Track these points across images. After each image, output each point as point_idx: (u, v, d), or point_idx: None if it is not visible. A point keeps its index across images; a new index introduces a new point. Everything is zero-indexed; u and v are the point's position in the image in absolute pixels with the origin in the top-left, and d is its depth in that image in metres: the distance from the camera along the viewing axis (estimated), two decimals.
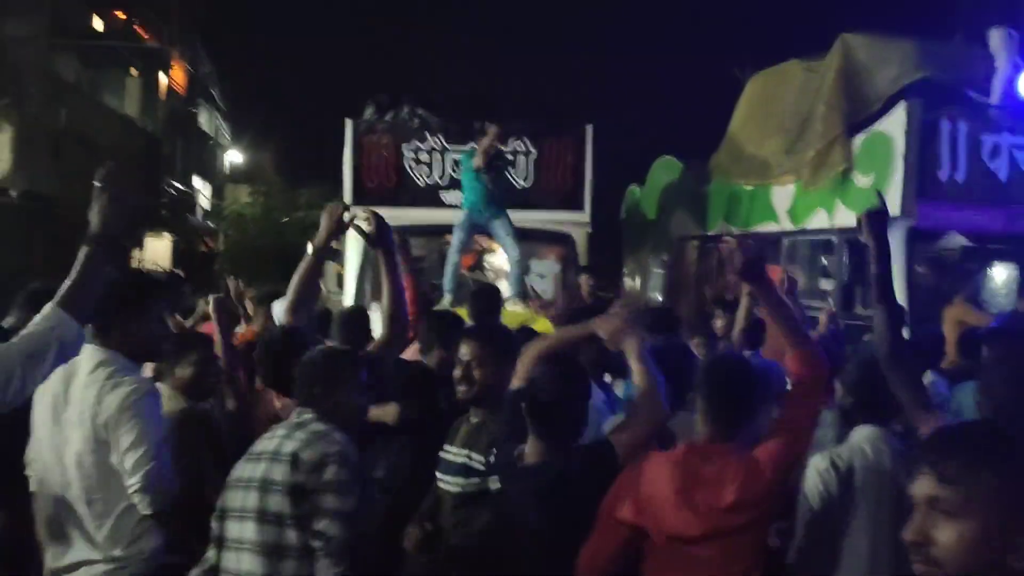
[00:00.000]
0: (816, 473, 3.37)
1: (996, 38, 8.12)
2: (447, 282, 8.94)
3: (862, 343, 6.93)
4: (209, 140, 43.48)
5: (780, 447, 3.11)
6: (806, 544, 3.36)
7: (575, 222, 10.48)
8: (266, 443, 3.22)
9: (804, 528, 3.37)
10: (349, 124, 10.44)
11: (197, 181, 39.81)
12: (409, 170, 10.38)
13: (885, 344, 3.10)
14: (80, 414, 3.25)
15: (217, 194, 42.15)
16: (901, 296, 7.72)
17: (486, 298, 6.53)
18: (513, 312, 8.62)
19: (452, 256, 8.99)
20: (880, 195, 3.74)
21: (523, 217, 9.40)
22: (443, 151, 10.34)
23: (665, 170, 13.07)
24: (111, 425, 3.22)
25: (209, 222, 40.37)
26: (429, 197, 10.37)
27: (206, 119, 42.62)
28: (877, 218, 3.43)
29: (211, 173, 42.40)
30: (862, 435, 3.47)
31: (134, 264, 28.45)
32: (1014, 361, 3.25)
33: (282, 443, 3.14)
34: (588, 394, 3.38)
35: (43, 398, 3.30)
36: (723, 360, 3.57)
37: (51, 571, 3.31)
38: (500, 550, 3.31)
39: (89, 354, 3.28)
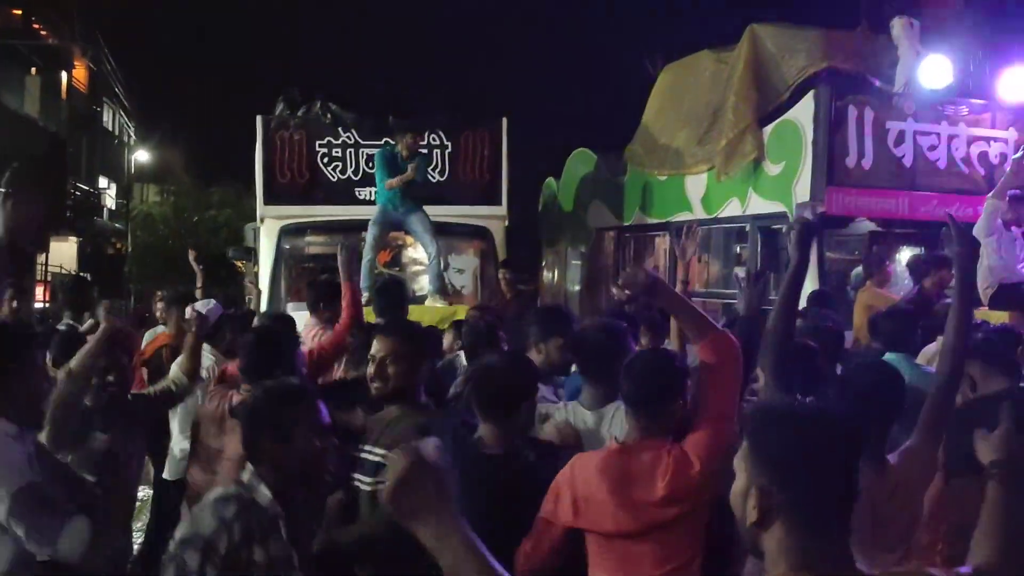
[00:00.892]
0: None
1: (898, 27, 8.29)
2: (363, 279, 8.80)
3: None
4: (114, 139, 42.39)
5: (706, 436, 3.10)
6: None
7: (492, 216, 10.45)
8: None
9: None
10: (260, 121, 10.25)
11: (103, 181, 38.79)
12: (322, 166, 10.23)
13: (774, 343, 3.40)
14: None
15: (124, 194, 41.14)
16: (813, 281, 7.92)
17: (390, 292, 6.44)
18: (434, 308, 8.56)
19: (367, 253, 8.87)
20: (813, 208, 3.94)
21: (439, 212, 9.34)
22: (356, 147, 10.22)
23: (581, 162, 13.11)
24: None
25: (116, 223, 39.40)
26: (343, 193, 10.24)
27: (111, 118, 41.52)
28: (807, 230, 3.57)
29: (117, 173, 41.35)
30: None
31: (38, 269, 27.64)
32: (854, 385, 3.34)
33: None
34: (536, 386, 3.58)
35: None
36: (643, 355, 3.53)
37: None
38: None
39: None
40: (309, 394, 3.02)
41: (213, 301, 7.19)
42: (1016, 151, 8.26)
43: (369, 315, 6.20)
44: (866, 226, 8.82)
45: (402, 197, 8.83)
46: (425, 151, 9.70)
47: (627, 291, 3.09)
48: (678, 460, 3.07)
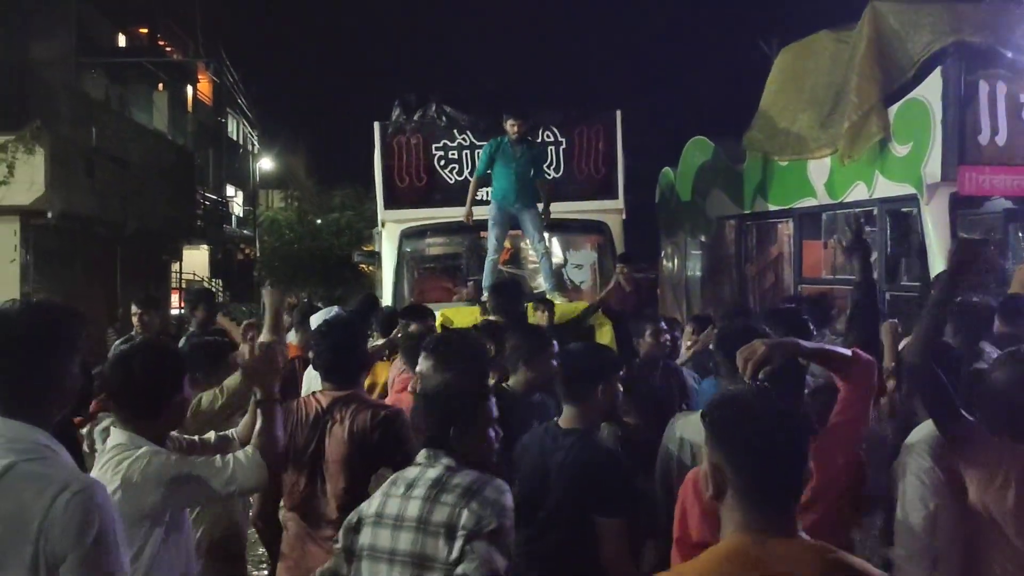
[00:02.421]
0: (920, 471, 3.27)
1: None
2: (485, 279, 8.87)
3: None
4: (239, 149, 43.81)
5: (846, 431, 3.08)
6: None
7: (609, 210, 10.38)
8: (397, 505, 2.96)
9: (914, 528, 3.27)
10: (377, 127, 10.41)
11: (230, 190, 40.14)
12: (439, 169, 10.34)
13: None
14: None
15: (250, 201, 42.47)
16: (946, 264, 7.61)
17: (507, 291, 6.46)
18: (562, 305, 8.52)
19: (491, 254, 8.94)
20: (859, 222, 3.89)
21: (556, 208, 9.31)
22: (472, 148, 10.29)
23: (698, 151, 12.93)
24: None
25: (244, 230, 40.70)
26: (460, 194, 10.30)
27: (235, 128, 42.93)
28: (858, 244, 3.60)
29: (243, 181, 42.73)
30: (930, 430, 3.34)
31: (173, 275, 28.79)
32: None
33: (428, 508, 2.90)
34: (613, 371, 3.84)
35: None
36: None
37: None
38: None
39: None
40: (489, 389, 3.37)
41: (336, 308, 7.38)
42: None
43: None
44: (1001, 204, 8.44)
45: (517, 193, 8.81)
46: (534, 140, 9.65)
47: (749, 369, 2.92)
48: (819, 454, 2.99)
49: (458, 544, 2.79)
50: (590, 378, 3.68)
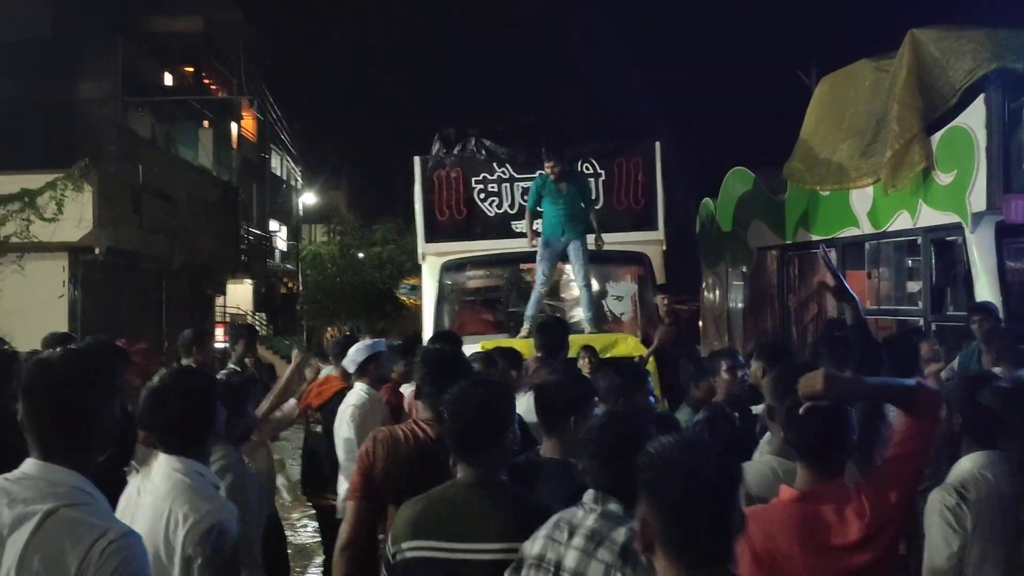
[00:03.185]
0: (944, 509, 3.18)
1: None
2: (530, 309, 8.93)
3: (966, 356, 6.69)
4: (282, 184, 44.35)
5: (902, 466, 2.99)
6: None
7: (649, 240, 10.35)
8: (549, 549, 2.79)
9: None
10: (418, 161, 10.50)
11: (273, 224, 40.59)
12: (479, 202, 10.39)
13: None
14: None
15: (293, 236, 42.91)
16: (994, 293, 7.50)
17: (551, 330, 6.44)
18: (594, 336, 8.51)
19: (539, 287, 9.00)
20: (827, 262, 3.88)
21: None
22: (511, 181, 10.33)
23: (738, 181, 12.89)
24: None
25: (287, 264, 41.10)
26: (500, 227, 10.36)
27: (278, 163, 43.49)
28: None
29: (287, 216, 43.21)
30: (978, 461, 3.27)
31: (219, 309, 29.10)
32: None
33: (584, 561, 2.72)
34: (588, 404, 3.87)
35: None
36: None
37: None
38: None
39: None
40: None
41: (383, 340, 7.41)
42: None
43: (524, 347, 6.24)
44: None
45: (564, 227, 8.86)
46: (574, 170, 9.67)
47: (808, 402, 2.89)
48: (873, 494, 2.93)
49: None
50: (563, 411, 3.74)
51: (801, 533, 2.86)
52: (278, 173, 43.57)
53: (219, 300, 29.81)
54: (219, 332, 26.59)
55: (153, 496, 3.04)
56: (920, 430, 3.00)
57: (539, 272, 8.98)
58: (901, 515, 2.98)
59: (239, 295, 32.89)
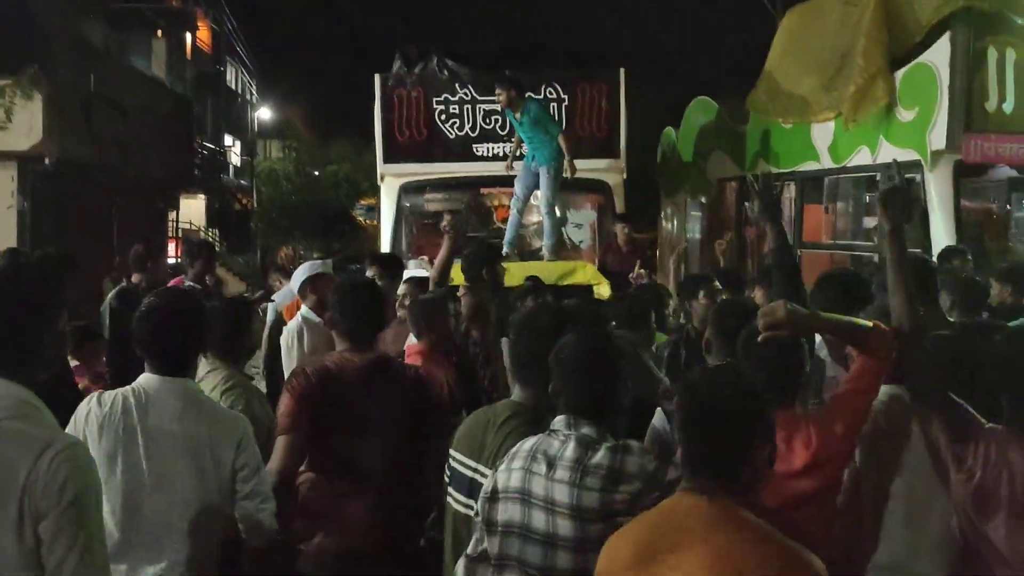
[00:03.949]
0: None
1: None
2: (508, 233, 8.97)
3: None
4: (238, 98, 43.49)
5: (852, 400, 3.06)
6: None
7: (610, 169, 10.32)
8: (531, 483, 2.79)
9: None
10: (378, 79, 10.31)
11: (228, 139, 39.90)
12: (440, 123, 10.26)
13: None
14: None
15: (248, 151, 42.25)
16: (950, 233, 7.58)
17: (471, 259, 6.16)
18: (553, 264, 8.52)
19: (514, 206, 9.05)
20: (770, 183, 3.82)
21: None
22: (473, 103, 10.20)
23: (701, 111, 12.82)
24: None
25: (242, 180, 40.54)
26: (461, 150, 10.26)
27: (233, 77, 42.58)
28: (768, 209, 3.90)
29: (241, 131, 42.47)
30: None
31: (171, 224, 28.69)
32: None
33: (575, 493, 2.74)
34: None
35: None
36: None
37: None
38: None
39: None
40: None
41: (329, 261, 7.33)
42: None
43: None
44: (1005, 173, 8.38)
45: (533, 153, 8.90)
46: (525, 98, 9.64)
47: (768, 332, 2.94)
48: (821, 426, 2.98)
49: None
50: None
51: None
52: (233, 87, 42.68)
53: (171, 215, 29.35)
54: (171, 248, 26.30)
55: (179, 420, 3.19)
56: (872, 370, 3.06)
57: (515, 191, 9.04)
58: (846, 448, 3.06)
59: (192, 210, 32.39)
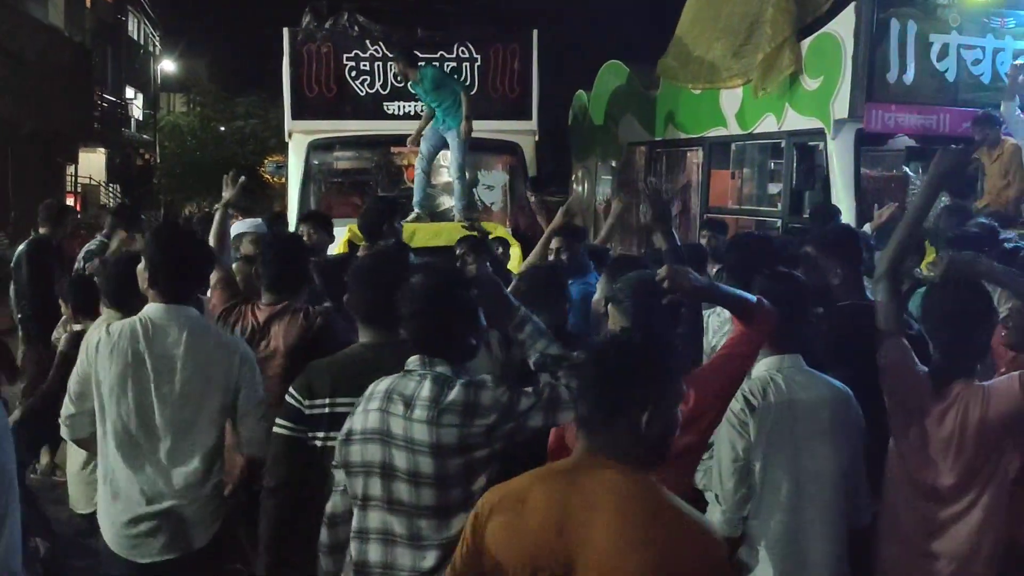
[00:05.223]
0: (731, 414, 3.33)
1: None
2: (416, 192, 8.90)
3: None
4: (140, 49, 42.13)
5: (725, 367, 3.16)
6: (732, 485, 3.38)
7: (522, 131, 10.32)
8: (389, 423, 2.83)
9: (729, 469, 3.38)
10: (287, 33, 10.10)
11: (130, 92, 38.69)
12: (350, 80, 10.10)
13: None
14: None
15: (151, 105, 41.05)
16: (849, 200, 7.79)
17: (367, 214, 6.00)
18: (461, 225, 8.51)
19: (418, 165, 8.98)
20: (654, 185, 3.99)
21: None
22: (384, 60, 10.06)
23: (612, 75, 12.88)
24: None
25: (144, 134, 39.40)
26: (371, 107, 10.14)
27: (135, 27, 41.20)
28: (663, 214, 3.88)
29: (144, 83, 41.20)
30: (771, 365, 3.42)
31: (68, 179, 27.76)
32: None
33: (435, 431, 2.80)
34: None
35: None
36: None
37: None
38: None
39: None
40: None
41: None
42: None
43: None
44: (903, 142, 8.63)
45: (439, 118, 8.81)
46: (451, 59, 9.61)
47: (671, 292, 3.06)
48: (697, 384, 3.05)
49: (484, 452, 2.78)
50: None
51: None
52: (135, 37, 41.31)
53: (70, 169, 28.41)
54: (71, 202, 25.48)
55: (184, 344, 3.46)
56: (750, 339, 3.19)
57: (421, 148, 8.97)
58: (718, 407, 3.17)
59: (92, 165, 31.39)
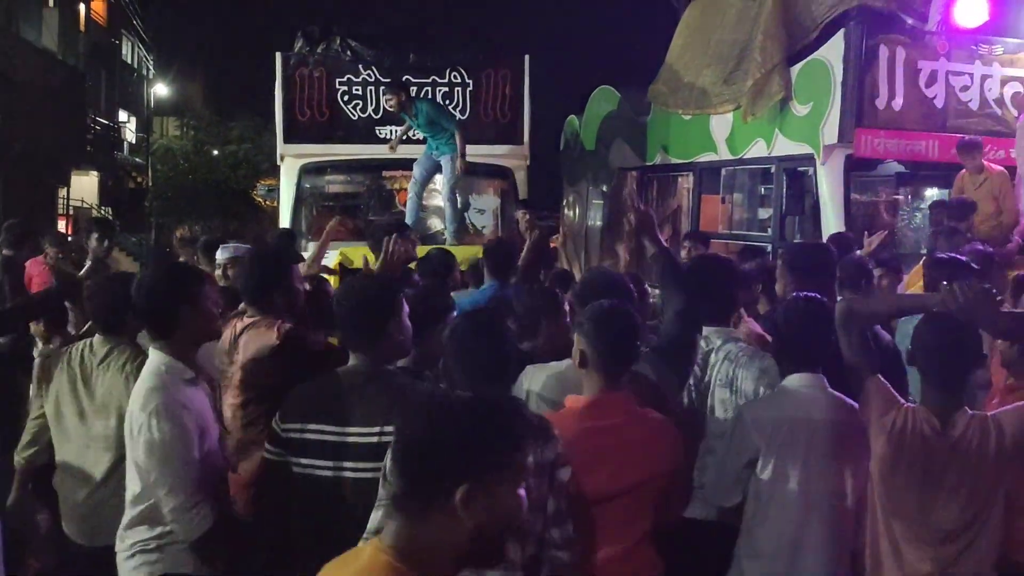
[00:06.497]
0: (751, 421, 3.36)
1: None
2: (408, 216, 8.91)
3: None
4: (133, 72, 42.20)
5: None
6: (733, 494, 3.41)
7: (513, 155, 10.36)
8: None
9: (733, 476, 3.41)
10: (279, 57, 10.14)
11: (123, 115, 38.71)
12: (342, 104, 10.14)
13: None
14: None
15: (144, 128, 41.07)
16: (840, 224, 7.81)
17: (381, 231, 6.22)
18: (454, 248, 8.51)
19: (411, 189, 9.02)
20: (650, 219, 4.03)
21: None
22: (376, 84, 10.11)
23: (603, 100, 12.93)
24: None
25: (137, 157, 39.40)
26: (363, 132, 10.17)
27: (129, 51, 41.29)
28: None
29: (137, 107, 41.24)
30: (794, 382, 3.42)
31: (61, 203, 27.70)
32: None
33: None
34: None
35: None
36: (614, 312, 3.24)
37: None
38: None
39: None
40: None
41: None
42: None
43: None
44: (893, 167, 8.67)
45: (433, 146, 8.89)
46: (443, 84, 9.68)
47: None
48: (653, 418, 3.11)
49: None
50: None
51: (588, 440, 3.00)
52: (129, 61, 41.39)
53: (62, 192, 28.38)
54: (62, 225, 25.42)
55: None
56: None
57: (415, 172, 9.04)
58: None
59: (84, 187, 31.35)
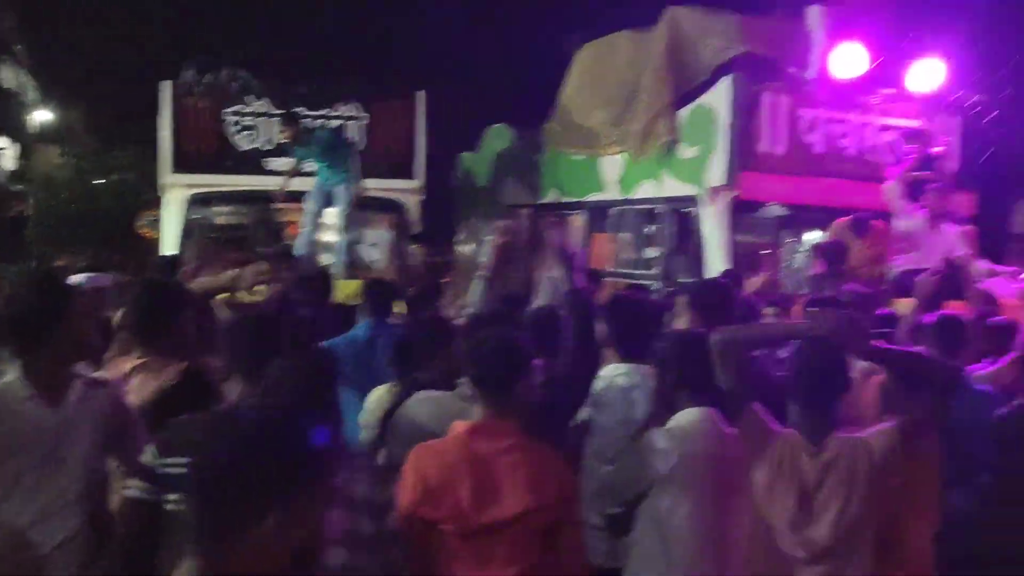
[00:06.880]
0: (652, 452, 3.38)
1: (813, 15, 8.40)
2: (298, 249, 8.78)
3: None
4: (13, 97, 40.77)
5: None
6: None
7: (407, 189, 10.33)
8: None
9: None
10: (166, 86, 9.92)
11: (1, 141, 37.32)
12: (231, 135, 9.97)
13: None
14: None
15: (24, 155, 39.63)
16: (723, 266, 8.00)
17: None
18: (345, 283, 8.42)
19: (304, 222, 8.90)
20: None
21: None
22: (267, 115, 9.97)
23: (497, 137, 13.00)
24: None
25: (16, 185, 38.00)
26: (252, 163, 10.02)
27: (9, 75, 39.91)
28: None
29: (16, 133, 39.79)
30: (688, 417, 3.43)
31: None
32: None
33: None
34: None
35: None
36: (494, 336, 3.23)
37: None
38: None
39: None
40: None
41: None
42: (919, 140, 8.49)
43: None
44: (776, 210, 8.93)
45: (331, 171, 8.79)
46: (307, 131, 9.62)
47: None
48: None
49: None
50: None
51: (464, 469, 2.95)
52: (9, 86, 39.98)
53: None
54: None
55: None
56: None
57: (307, 207, 8.93)
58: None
59: None
